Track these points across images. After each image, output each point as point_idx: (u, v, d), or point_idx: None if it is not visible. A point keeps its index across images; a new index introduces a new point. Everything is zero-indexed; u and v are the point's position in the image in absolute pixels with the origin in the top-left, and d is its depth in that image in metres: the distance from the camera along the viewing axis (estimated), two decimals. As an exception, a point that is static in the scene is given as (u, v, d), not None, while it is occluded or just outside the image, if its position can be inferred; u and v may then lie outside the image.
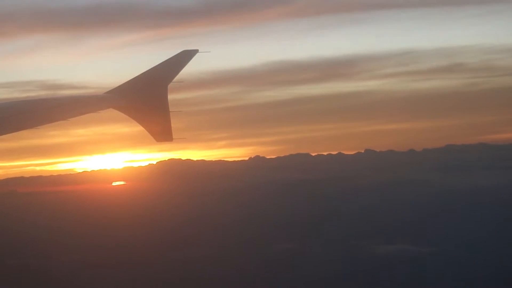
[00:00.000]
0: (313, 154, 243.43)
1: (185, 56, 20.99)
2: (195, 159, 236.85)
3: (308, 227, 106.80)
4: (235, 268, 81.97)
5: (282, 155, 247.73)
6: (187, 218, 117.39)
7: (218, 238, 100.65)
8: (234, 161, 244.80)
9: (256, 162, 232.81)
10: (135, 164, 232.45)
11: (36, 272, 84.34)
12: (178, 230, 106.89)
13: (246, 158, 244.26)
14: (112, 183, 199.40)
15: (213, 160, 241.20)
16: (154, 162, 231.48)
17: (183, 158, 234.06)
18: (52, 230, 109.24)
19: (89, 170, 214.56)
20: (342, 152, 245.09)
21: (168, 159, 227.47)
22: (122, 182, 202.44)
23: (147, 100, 19.51)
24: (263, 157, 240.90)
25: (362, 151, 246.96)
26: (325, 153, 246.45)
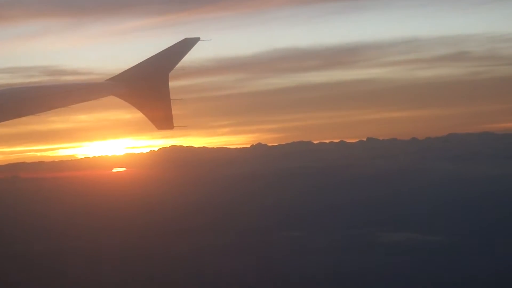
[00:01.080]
0: (315, 142, 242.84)
1: (187, 44, 20.94)
2: (196, 146, 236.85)
3: (311, 216, 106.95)
4: (239, 258, 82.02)
5: (284, 142, 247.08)
6: (188, 205, 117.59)
7: (221, 226, 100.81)
8: (236, 148, 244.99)
9: (258, 149, 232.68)
10: (137, 151, 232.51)
11: (40, 257, 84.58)
12: (179, 217, 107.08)
13: (248, 146, 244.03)
14: (112, 169, 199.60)
15: (215, 147, 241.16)
16: (156, 149, 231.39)
17: (185, 145, 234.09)
18: (55, 216, 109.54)
19: (90, 156, 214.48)
20: (344, 140, 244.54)
21: (170, 146, 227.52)
22: (123, 169, 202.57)
23: (148, 88, 19.50)
24: (265, 145, 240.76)
25: (365, 139, 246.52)
26: (327, 141, 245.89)
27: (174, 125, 20.33)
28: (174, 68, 20.38)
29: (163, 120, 20.08)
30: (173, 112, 20.34)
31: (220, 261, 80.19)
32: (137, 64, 19.89)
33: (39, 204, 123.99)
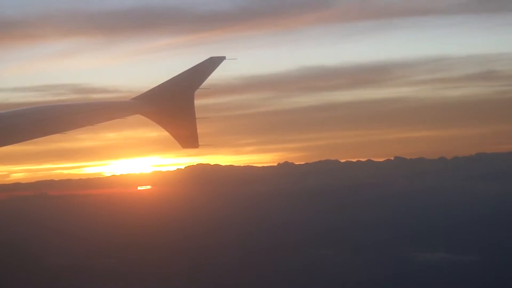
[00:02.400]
0: (342, 161, 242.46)
1: (212, 63, 21.06)
2: (223, 164, 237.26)
3: (341, 234, 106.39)
4: (270, 276, 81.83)
5: (310, 161, 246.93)
6: (218, 223, 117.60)
7: (253, 243, 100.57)
8: (263, 166, 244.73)
9: (285, 168, 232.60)
10: (163, 169, 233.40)
11: (70, 272, 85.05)
12: (209, 234, 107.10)
13: (275, 164, 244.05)
14: (139, 187, 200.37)
15: (242, 165, 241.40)
16: (183, 167, 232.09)
17: (212, 163, 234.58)
18: (84, 233, 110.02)
19: (117, 174, 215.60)
20: (372, 159, 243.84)
21: (197, 164, 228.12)
22: (148, 187, 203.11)
23: (173, 107, 19.61)
24: (292, 163, 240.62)
25: (392, 158, 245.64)
26: (354, 160, 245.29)
27: (199, 143, 20.42)
28: (200, 87, 20.49)
29: (188, 138, 20.16)
30: (198, 131, 20.41)
31: (250, 278, 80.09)
32: (162, 83, 20.03)
33: (69, 221, 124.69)
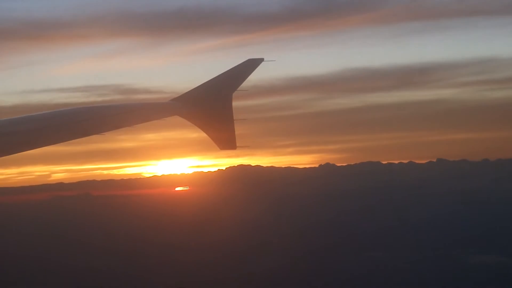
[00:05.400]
0: (384, 162, 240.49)
1: (250, 65, 21.11)
2: (264, 165, 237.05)
3: (391, 235, 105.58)
4: (320, 279, 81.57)
5: (351, 163, 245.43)
6: (265, 222, 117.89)
7: (303, 244, 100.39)
8: (304, 168, 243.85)
9: (326, 169, 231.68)
10: (205, 170, 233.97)
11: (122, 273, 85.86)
12: (261, 234, 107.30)
13: (316, 165, 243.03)
14: (182, 187, 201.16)
15: (283, 166, 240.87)
16: (224, 168, 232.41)
17: (253, 164, 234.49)
18: (134, 233, 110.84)
19: (159, 174, 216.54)
20: (413, 160, 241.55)
21: (238, 165, 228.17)
22: (186, 188, 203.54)
23: (211, 109, 19.71)
24: (333, 165, 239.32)
25: (434, 160, 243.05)
26: (396, 162, 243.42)
27: (237, 145, 20.47)
28: (238, 89, 20.55)
29: (226, 140, 20.23)
30: (237, 132, 20.49)
31: (301, 278, 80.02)
32: (200, 85, 20.14)
33: (118, 221, 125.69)
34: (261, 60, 21.53)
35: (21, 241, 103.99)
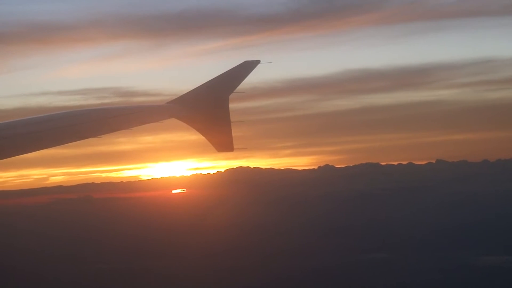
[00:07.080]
0: (383, 164, 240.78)
1: (247, 67, 21.15)
2: (263, 167, 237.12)
3: (394, 237, 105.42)
4: (325, 277, 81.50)
5: (350, 164, 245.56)
6: (268, 225, 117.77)
7: (305, 246, 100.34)
8: (304, 169, 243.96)
9: (326, 171, 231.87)
10: (203, 172, 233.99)
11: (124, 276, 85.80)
12: (256, 237, 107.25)
13: (315, 167, 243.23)
14: (181, 190, 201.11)
15: (282, 168, 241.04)
16: (223, 170, 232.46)
17: (252, 166, 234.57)
18: (138, 235, 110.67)
19: (157, 177, 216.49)
20: (413, 162, 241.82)
21: (237, 167, 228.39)
22: (184, 190, 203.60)
23: (207, 111, 19.72)
24: (333, 166, 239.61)
25: (434, 161, 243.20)
26: (395, 163, 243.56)
27: (234, 147, 20.52)
28: (234, 91, 20.58)
29: (223, 142, 20.27)
30: (234, 134, 20.50)
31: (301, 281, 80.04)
32: (197, 87, 20.19)
33: (121, 223, 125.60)
34: (258, 62, 21.59)
35: (21, 244, 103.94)
